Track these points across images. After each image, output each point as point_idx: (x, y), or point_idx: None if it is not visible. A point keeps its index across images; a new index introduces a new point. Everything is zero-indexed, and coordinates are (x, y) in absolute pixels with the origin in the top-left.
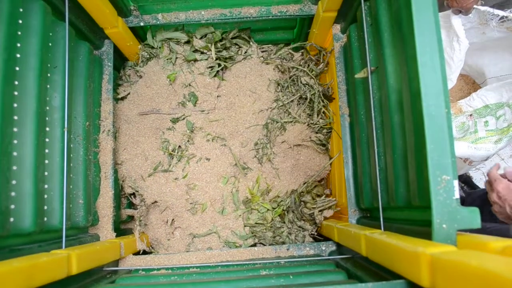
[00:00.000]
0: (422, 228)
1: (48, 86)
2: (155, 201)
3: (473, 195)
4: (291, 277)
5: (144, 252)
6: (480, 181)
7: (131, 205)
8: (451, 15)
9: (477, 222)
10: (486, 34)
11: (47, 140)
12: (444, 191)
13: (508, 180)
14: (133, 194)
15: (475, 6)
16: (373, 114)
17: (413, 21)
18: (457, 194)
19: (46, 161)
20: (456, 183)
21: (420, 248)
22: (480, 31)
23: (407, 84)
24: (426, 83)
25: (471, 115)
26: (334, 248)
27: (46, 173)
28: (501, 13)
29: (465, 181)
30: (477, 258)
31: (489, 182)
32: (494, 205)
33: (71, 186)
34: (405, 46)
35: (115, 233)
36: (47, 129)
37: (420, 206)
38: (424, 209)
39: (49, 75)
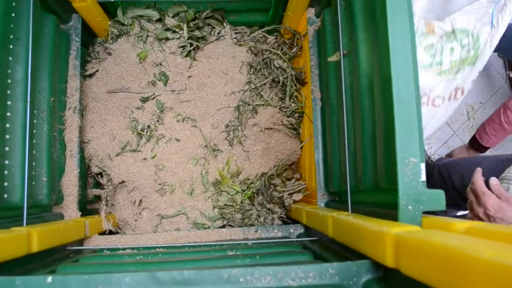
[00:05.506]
0: (389, 211)
1: (10, 58)
2: (123, 181)
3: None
4: (257, 257)
5: (111, 233)
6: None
7: (98, 185)
8: None
9: (442, 204)
10: None
11: (8, 114)
12: (411, 173)
13: (496, 196)
14: (100, 173)
15: None
16: (344, 98)
17: (386, 5)
18: (423, 177)
19: (7, 136)
20: (423, 166)
21: (385, 228)
22: None
23: (378, 68)
24: (396, 65)
25: (441, 37)
26: (302, 230)
27: (6, 148)
28: None
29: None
30: (440, 236)
31: (475, 194)
32: (472, 213)
33: (34, 163)
34: (377, 29)
35: (81, 213)
36: (9, 103)
37: (387, 189)
38: (391, 191)
39: (11, 46)
